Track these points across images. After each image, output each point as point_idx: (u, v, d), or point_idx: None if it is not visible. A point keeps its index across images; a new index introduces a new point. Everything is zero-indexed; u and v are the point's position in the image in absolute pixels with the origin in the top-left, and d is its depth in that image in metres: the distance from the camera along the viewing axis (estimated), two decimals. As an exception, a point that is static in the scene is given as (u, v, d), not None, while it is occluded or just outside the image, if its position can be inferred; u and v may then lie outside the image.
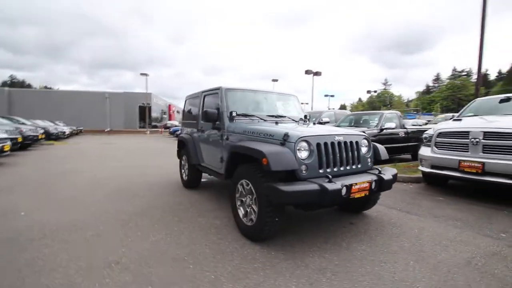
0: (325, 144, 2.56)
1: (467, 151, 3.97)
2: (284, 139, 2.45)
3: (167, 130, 28.54)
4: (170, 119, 43.84)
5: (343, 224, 3.00)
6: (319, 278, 1.94)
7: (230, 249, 2.39)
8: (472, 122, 4.28)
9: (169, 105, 47.59)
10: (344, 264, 2.13)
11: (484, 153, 3.79)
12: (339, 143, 2.65)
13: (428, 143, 4.67)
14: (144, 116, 32.82)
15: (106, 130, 29.35)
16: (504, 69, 56.27)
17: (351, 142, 2.75)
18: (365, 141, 2.95)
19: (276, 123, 3.26)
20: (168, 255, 2.29)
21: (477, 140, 3.85)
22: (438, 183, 4.92)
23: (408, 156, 7.95)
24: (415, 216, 3.27)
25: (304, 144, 2.46)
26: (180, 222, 3.06)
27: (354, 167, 2.74)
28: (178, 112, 52.20)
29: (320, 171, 2.48)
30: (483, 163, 3.73)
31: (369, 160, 2.94)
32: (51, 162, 7.87)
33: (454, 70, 62.25)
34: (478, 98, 5.57)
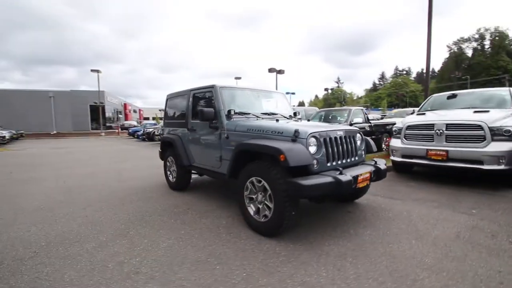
0: (330, 139, 2.73)
1: (433, 141, 4.53)
2: (296, 136, 2.55)
3: (125, 131, 26.68)
4: (126, 119, 41.04)
5: (341, 213, 3.22)
6: (343, 264, 2.09)
7: (249, 246, 2.42)
8: (435, 116, 4.89)
9: (125, 104, 44.46)
10: (359, 249, 2.32)
11: (447, 142, 4.37)
12: (340, 137, 2.84)
13: (397, 135, 5.21)
14: (97, 117, 30.16)
15: (52, 133, 26.32)
16: (437, 68, 64.19)
17: (349, 136, 2.97)
18: (359, 135, 3.20)
19: (277, 120, 3.34)
20: (189, 259, 2.23)
21: (441, 131, 4.42)
22: (405, 171, 5.53)
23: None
24: (399, 201, 3.66)
25: (313, 139, 2.59)
26: (184, 225, 2.98)
27: (353, 159, 2.96)
28: (134, 111, 48.99)
29: (328, 164, 2.65)
30: (447, 151, 4.30)
31: (363, 152, 3.20)
32: (2, 171, 6.86)
33: (396, 69, 69.12)
34: (434, 95, 6.34)
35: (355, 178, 2.53)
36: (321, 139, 2.64)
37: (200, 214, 3.32)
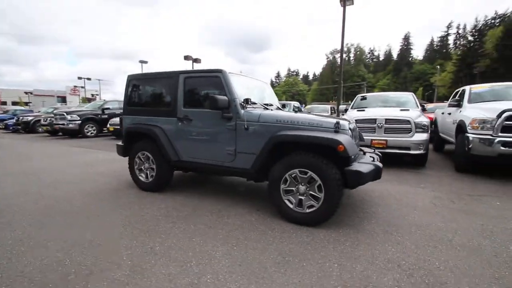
0: (353, 129, 3.01)
1: (375, 132, 5.61)
2: (337, 127, 2.68)
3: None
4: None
5: (344, 200, 3.61)
6: (386, 248, 2.42)
7: (307, 239, 2.40)
8: (374, 111, 6.03)
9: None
10: (394, 229, 2.72)
11: (385, 133, 5.51)
12: (354, 128, 3.18)
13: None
14: None
15: None
16: (317, 71, 76.96)
17: (354, 126, 3.34)
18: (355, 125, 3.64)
19: (297, 110, 3.33)
20: (262, 262, 2.03)
21: (381, 124, 5.53)
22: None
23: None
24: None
25: (350, 131, 2.80)
26: (213, 228, 2.61)
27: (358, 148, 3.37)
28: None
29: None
30: (386, 140, 5.44)
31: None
32: None
33: (289, 70, 78.44)
34: (358, 95, 7.74)
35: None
36: (352, 131, 2.88)
37: (215, 214, 2.97)
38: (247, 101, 3.12)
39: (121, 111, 12.96)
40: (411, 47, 70.97)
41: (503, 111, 4.28)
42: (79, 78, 37.09)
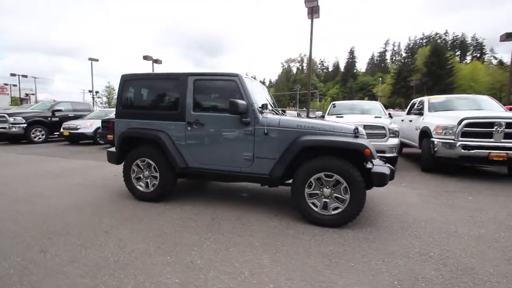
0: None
1: (354, 137, 6.07)
2: (356, 132, 2.86)
3: None
4: None
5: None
6: (411, 242, 2.67)
7: (345, 240, 2.51)
8: (352, 118, 6.51)
9: None
10: (407, 225, 2.99)
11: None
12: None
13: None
14: None
15: None
16: (273, 78, 79.71)
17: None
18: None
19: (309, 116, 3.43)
20: (313, 266, 2.05)
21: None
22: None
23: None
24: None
25: (365, 136, 3.01)
26: (245, 237, 2.53)
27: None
28: None
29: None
30: (365, 145, 5.93)
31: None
32: None
33: (247, 75, 79.45)
34: (333, 102, 8.28)
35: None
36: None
37: (236, 221, 2.88)
38: (265, 106, 3.13)
39: (75, 113, 11.79)
40: (356, 60, 78.49)
41: (463, 119, 5.05)
42: (12, 75, 31.95)
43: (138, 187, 3.52)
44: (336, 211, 2.76)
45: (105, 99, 48.12)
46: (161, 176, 3.38)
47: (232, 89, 3.18)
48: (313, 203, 2.83)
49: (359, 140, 2.76)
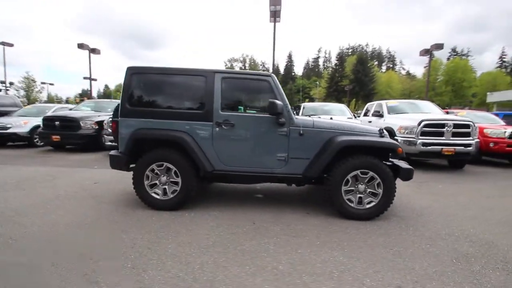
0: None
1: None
2: (382, 132, 3.17)
3: None
4: None
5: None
6: (436, 228, 3.11)
7: (387, 232, 2.75)
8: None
9: None
10: (416, 214, 3.44)
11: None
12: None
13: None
14: None
15: None
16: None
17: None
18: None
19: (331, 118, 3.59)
20: (387, 258, 2.24)
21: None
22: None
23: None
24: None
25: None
26: (301, 237, 2.55)
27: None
28: None
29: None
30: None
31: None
32: None
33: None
34: (303, 104, 8.76)
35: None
36: (381, 136, 3.46)
37: (279, 223, 2.85)
38: (298, 107, 3.17)
39: (10, 109, 9.73)
40: (293, 64, 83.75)
41: (422, 120, 6.02)
42: None
43: (154, 194, 3.13)
44: (369, 205, 3.00)
45: (22, 92, 38.61)
46: (184, 182, 3.08)
47: (264, 89, 3.13)
48: (349, 199, 3.01)
49: (388, 140, 3.07)
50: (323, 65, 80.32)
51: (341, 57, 57.24)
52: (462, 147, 5.86)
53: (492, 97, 26.06)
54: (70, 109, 9.24)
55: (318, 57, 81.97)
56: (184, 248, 2.28)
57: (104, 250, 2.21)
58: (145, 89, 3.22)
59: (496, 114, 8.52)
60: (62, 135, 7.38)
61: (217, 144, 3.11)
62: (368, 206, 3.01)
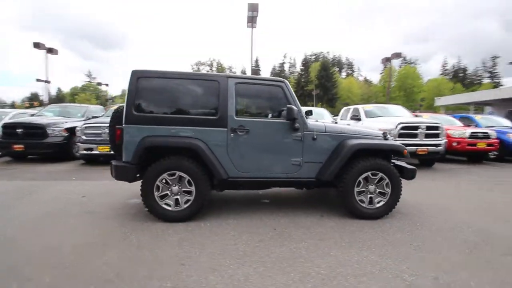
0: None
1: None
2: (385, 135, 3.38)
3: None
4: None
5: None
6: (446, 220, 3.39)
7: (400, 229, 2.93)
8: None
9: None
10: (419, 209, 3.71)
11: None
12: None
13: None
14: None
15: None
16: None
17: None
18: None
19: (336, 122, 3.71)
20: (410, 254, 2.39)
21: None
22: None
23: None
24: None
25: (387, 138, 3.57)
26: (329, 240, 2.60)
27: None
28: None
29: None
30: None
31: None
32: None
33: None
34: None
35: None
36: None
37: (300, 228, 2.88)
38: (310, 112, 3.25)
39: None
40: (260, 68, 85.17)
41: (399, 123, 6.54)
42: None
43: (165, 206, 2.95)
44: (379, 204, 3.18)
45: None
46: (198, 191, 2.95)
47: (277, 94, 3.15)
48: (361, 200, 3.15)
49: (393, 142, 3.28)
50: (289, 70, 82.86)
51: (306, 63, 59.76)
52: (434, 147, 6.50)
53: (439, 101, 29.22)
54: (32, 115, 8.29)
55: (284, 62, 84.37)
56: (218, 260, 2.19)
57: (132, 271, 2.02)
58: (153, 94, 3.04)
59: (453, 117, 9.57)
60: (26, 144, 6.58)
61: (232, 150, 3.05)
62: (378, 205, 3.17)
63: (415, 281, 1.92)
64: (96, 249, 2.35)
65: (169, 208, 2.96)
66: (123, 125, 2.96)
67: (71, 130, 7.22)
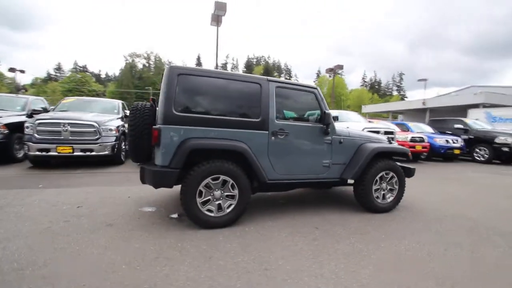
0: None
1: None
2: (390, 140, 3.91)
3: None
4: None
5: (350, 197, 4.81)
6: (447, 210, 4.07)
7: (412, 223, 3.44)
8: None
9: None
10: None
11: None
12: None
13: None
14: None
15: None
16: (111, 72, 68.89)
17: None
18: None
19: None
20: (433, 252, 2.88)
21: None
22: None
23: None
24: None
25: (388, 142, 4.12)
26: (362, 243, 2.90)
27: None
28: None
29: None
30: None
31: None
32: None
33: (76, 64, 64.01)
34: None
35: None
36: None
37: (337, 228, 3.10)
38: (336, 118, 3.51)
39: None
40: (202, 67, 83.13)
41: (365, 128, 7.45)
42: None
43: (207, 212, 2.79)
44: (390, 199, 3.67)
45: None
46: (241, 194, 2.89)
47: (310, 100, 3.33)
48: (377, 197, 3.58)
49: (402, 146, 3.83)
50: (231, 71, 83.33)
51: (249, 66, 61.23)
52: (390, 149, 7.65)
53: (365, 109, 33.94)
54: None
55: (226, 63, 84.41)
56: (296, 261, 2.23)
57: (226, 280, 1.90)
58: (195, 93, 2.83)
59: (392, 123, 11.37)
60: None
61: (272, 153, 3.08)
62: (389, 200, 3.66)
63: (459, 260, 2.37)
64: (150, 268, 2.10)
65: (211, 214, 2.81)
66: (161, 125, 2.68)
67: (13, 126, 5.91)
